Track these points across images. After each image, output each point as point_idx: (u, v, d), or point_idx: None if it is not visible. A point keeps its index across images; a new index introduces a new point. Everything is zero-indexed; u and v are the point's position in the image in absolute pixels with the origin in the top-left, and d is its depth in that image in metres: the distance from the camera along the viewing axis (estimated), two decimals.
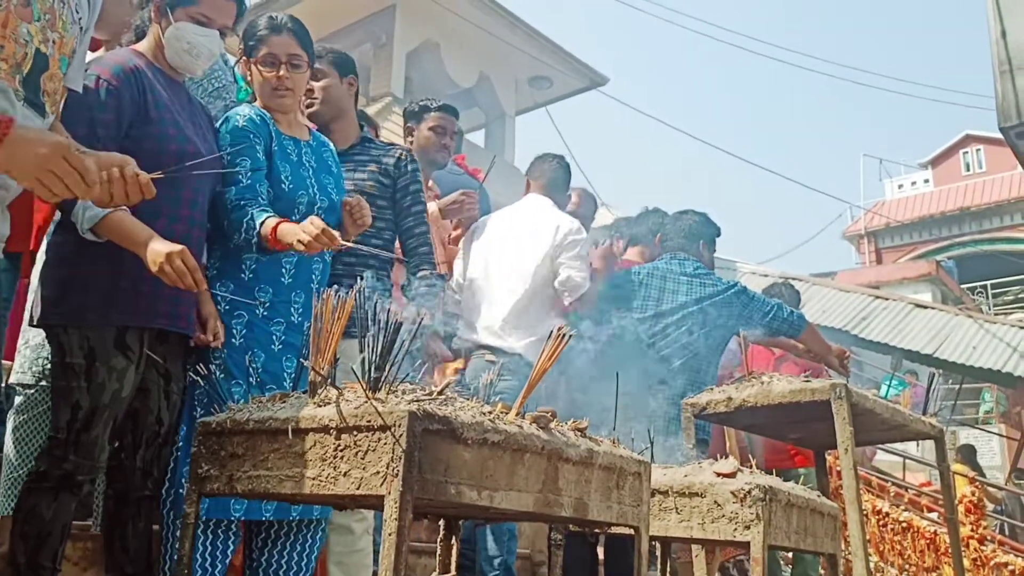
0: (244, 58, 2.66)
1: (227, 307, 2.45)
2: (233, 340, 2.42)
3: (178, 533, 2.29)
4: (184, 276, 2.09)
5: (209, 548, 2.33)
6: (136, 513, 2.31)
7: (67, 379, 2.15)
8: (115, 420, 2.21)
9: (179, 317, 2.30)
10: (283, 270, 2.53)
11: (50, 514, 2.10)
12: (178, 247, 2.11)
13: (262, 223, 2.35)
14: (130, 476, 2.29)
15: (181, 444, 2.38)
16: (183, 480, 2.30)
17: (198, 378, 1.85)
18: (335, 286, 1.69)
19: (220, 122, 2.58)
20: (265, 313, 2.47)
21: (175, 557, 2.29)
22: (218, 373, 1.98)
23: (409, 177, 3.09)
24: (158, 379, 2.34)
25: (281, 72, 2.58)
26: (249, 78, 2.66)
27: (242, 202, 2.42)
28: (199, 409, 2.38)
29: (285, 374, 2.44)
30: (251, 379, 2.32)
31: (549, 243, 3.80)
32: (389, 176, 3.04)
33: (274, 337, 2.47)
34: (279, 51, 2.58)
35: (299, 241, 2.24)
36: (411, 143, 3.99)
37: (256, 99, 2.68)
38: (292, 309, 2.52)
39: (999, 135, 6.76)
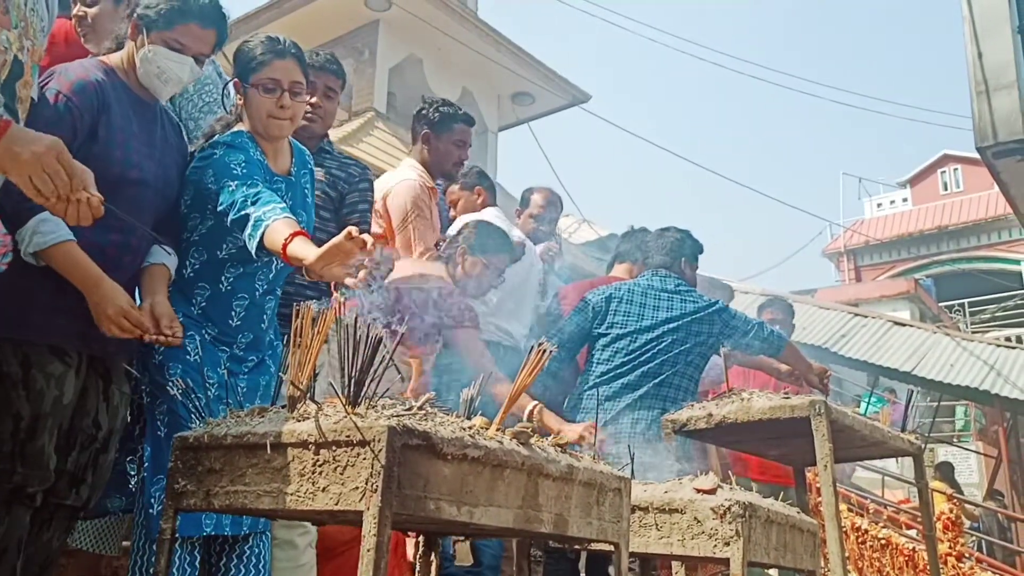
0: (235, 80, 2.55)
1: None
2: (188, 357, 2.35)
3: (153, 551, 2.25)
4: (132, 331, 2.11)
5: (177, 564, 2.28)
6: (47, 521, 2.19)
7: (4, 389, 2.08)
8: (60, 427, 2.14)
9: (111, 341, 2.21)
10: (233, 312, 2.48)
11: (3, 529, 2.03)
12: (126, 302, 2.12)
13: (267, 226, 2.15)
14: (52, 479, 2.14)
15: (147, 464, 2.31)
16: (151, 500, 2.26)
17: (174, 392, 1.83)
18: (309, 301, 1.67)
19: (235, 141, 2.45)
20: (210, 343, 2.44)
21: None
22: (181, 387, 1.93)
23: (359, 195, 3.11)
24: (97, 381, 2.27)
25: (283, 99, 2.48)
26: (239, 101, 2.56)
27: (242, 200, 2.25)
28: (163, 428, 2.31)
29: (239, 388, 2.41)
30: (209, 393, 2.29)
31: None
32: (337, 190, 3.05)
33: (221, 360, 2.43)
34: (282, 76, 2.48)
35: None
36: (424, 150, 3.82)
37: (240, 121, 2.58)
38: (235, 346, 2.49)
39: (976, 155, 6.84)
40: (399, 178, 3.66)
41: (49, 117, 2.12)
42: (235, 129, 2.55)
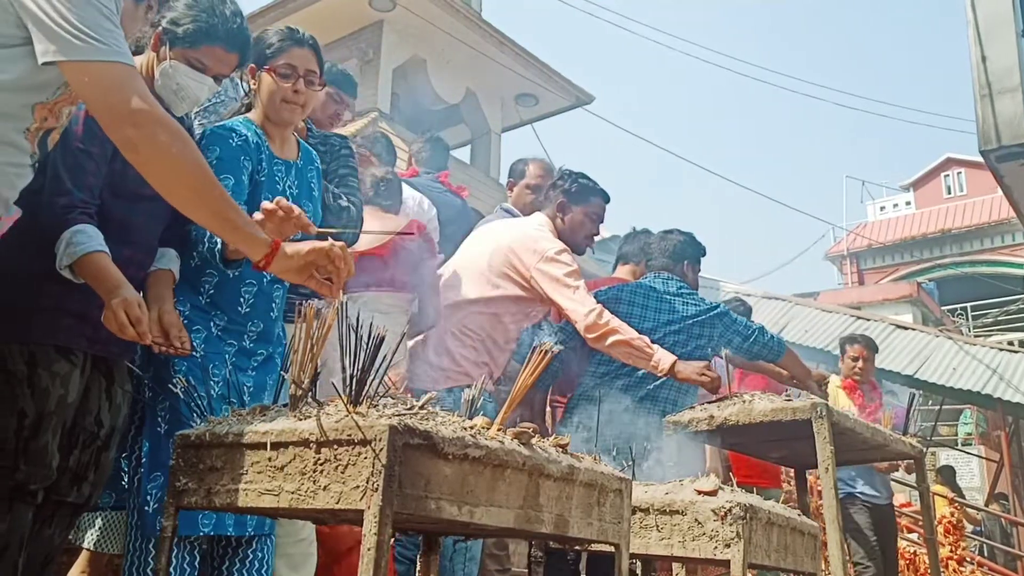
0: (251, 65, 2.57)
1: (185, 323, 2.36)
2: (194, 353, 2.34)
3: (149, 550, 2.25)
4: (125, 326, 2.08)
5: (175, 563, 2.26)
6: (48, 518, 2.18)
7: (10, 386, 2.07)
8: (63, 426, 2.14)
9: (115, 342, 2.21)
10: (241, 299, 2.47)
11: (5, 526, 2.03)
12: (135, 300, 2.10)
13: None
14: (56, 477, 2.13)
15: (145, 460, 2.31)
16: (147, 497, 2.26)
17: (176, 390, 1.82)
18: (312, 300, 1.68)
19: (209, 137, 2.47)
20: (219, 334, 2.43)
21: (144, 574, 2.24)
22: (183, 384, 1.93)
23: (340, 161, 3.17)
24: (100, 379, 2.26)
25: (297, 85, 2.54)
26: (254, 87, 2.59)
27: None
28: (163, 425, 2.31)
29: (244, 387, 2.38)
30: (212, 391, 2.28)
31: None
32: (323, 161, 3.08)
33: (226, 356, 2.42)
34: (299, 64, 2.55)
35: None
36: (558, 218, 3.79)
37: (250, 110, 2.61)
38: (246, 336, 2.48)
39: (980, 158, 6.84)
40: (558, 247, 3.65)
41: (83, 132, 2.16)
42: (242, 117, 2.57)
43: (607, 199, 3.90)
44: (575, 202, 3.79)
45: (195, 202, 1.86)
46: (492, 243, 3.66)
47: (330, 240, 2.02)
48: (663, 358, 3.49)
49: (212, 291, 2.45)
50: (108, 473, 2.32)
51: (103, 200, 2.21)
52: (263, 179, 2.50)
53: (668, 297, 3.87)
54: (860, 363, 5.77)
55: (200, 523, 2.26)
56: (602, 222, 3.90)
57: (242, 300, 2.48)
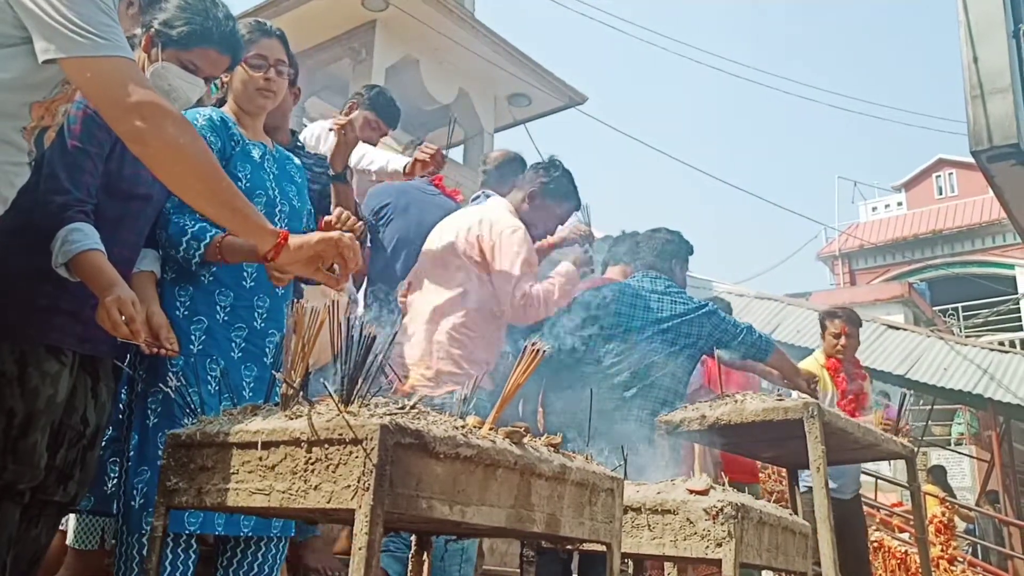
0: None
1: (186, 312, 2.35)
2: (192, 347, 2.32)
3: (135, 547, 2.23)
4: (118, 322, 2.07)
5: (168, 567, 2.23)
6: (35, 518, 2.18)
7: None
8: (52, 425, 2.13)
9: (105, 341, 2.22)
10: (244, 273, 2.44)
11: None
12: (129, 297, 2.09)
13: (211, 236, 2.30)
14: (42, 476, 2.12)
15: (132, 454, 2.29)
16: (133, 492, 2.24)
17: (167, 388, 1.82)
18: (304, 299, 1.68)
19: None
20: (226, 318, 2.40)
21: (134, 571, 2.23)
22: (176, 382, 1.92)
23: None
24: (85, 377, 2.25)
25: (269, 74, 2.60)
26: (226, 79, 2.62)
27: (175, 212, 2.35)
28: (152, 418, 2.28)
29: (244, 383, 2.37)
30: (210, 387, 2.25)
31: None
32: (319, 182, 3.13)
33: (234, 344, 2.39)
34: (268, 54, 2.61)
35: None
36: (524, 205, 3.71)
37: (223, 104, 2.64)
38: (255, 314, 2.45)
39: (971, 159, 6.86)
40: (515, 224, 3.57)
41: (81, 131, 2.19)
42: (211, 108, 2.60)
43: (578, 207, 3.84)
44: (548, 197, 3.71)
45: (205, 194, 1.85)
46: (454, 230, 3.60)
47: (339, 231, 2.04)
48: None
49: (215, 269, 2.42)
50: (93, 471, 2.31)
51: (97, 199, 2.21)
52: (236, 153, 2.51)
53: (655, 296, 3.86)
54: (843, 339, 5.40)
55: (187, 521, 2.22)
56: (562, 224, 3.86)
57: (245, 274, 2.45)
